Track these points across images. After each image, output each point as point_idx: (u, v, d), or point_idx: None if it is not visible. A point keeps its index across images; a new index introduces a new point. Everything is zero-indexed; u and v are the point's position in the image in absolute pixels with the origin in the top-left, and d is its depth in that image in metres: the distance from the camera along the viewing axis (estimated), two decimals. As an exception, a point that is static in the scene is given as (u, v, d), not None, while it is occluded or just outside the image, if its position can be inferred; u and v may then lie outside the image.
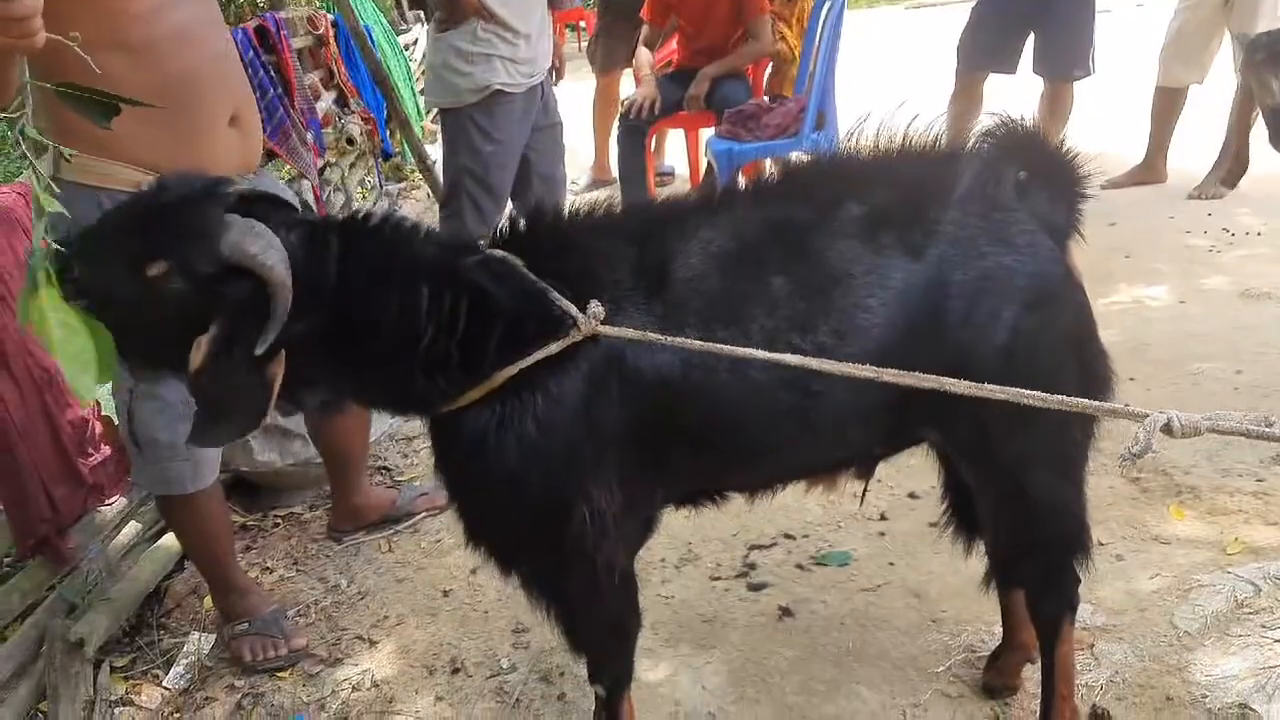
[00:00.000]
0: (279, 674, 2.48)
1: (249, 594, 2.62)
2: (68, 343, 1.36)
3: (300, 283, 1.47)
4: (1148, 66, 5.15)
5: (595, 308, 1.52)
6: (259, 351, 1.45)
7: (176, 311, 1.46)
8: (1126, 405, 1.22)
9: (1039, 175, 1.72)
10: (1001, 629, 2.12)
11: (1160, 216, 4.65)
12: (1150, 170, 5.07)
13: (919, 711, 2.09)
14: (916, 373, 1.31)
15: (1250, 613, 2.18)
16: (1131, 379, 3.21)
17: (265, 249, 1.44)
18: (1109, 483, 2.66)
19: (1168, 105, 4.93)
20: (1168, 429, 1.16)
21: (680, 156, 6.05)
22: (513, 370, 1.53)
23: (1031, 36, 4.77)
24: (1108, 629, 2.22)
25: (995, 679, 2.11)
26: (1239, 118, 4.59)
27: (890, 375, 1.31)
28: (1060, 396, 1.23)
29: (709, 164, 5.09)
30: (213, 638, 2.62)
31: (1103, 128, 5.79)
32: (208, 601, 2.72)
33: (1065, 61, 4.76)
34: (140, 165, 2.06)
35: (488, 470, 1.60)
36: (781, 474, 1.85)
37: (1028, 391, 1.25)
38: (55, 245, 1.43)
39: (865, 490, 2.06)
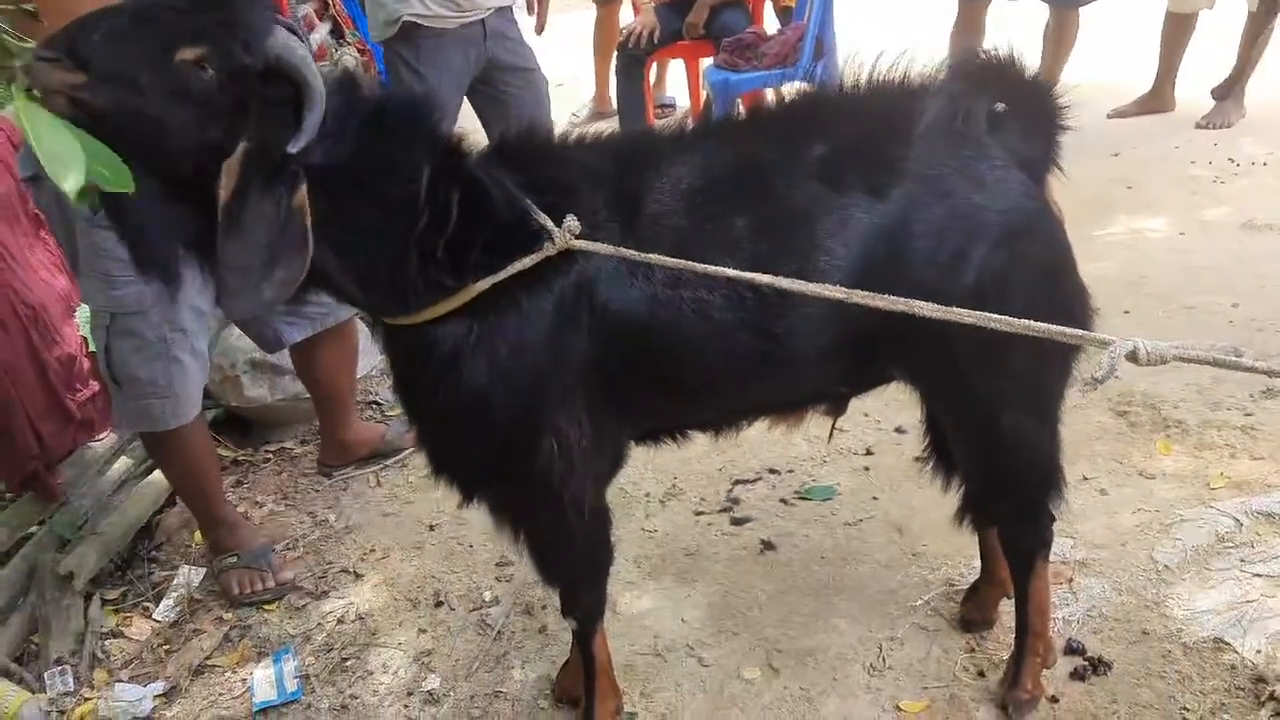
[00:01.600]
0: (266, 607, 2.52)
1: (238, 528, 2.64)
2: (53, 139, 1.21)
3: (327, 111, 1.37)
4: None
5: (571, 222, 1.49)
6: (293, 149, 1.33)
7: (197, 112, 1.31)
8: (1094, 332, 1.20)
9: (1014, 108, 1.67)
10: (980, 564, 2.12)
11: (1165, 146, 4.56)
12: (1158, 99, 4.96)
13: (895, 644, 2.11)
14: (887, 296, 1.30)
15: (1230, 547, 2.18)
16: (1126, 312, 3.18)
17: (308, 57, 1.35)
18: (1097, 417, 2.65)
19: (1177, 31, 4.80)
20: (1133, 356, 1.15)
21: (682, 88, 5.95)
22: (490, 281, 1.50)
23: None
24: (1087, 563, 2.22)
25: (972, 613, 2.12)
26: (1246, 43, 4.48)
27: (860, 296, 1.32)
28: (1027, 321, 1.22)
29: (707, 95, 5.01)
30: (202, 571, 2.65)
31: (1110, 56, 5.67)
32: (198, 535, 2.75)
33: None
34: None
35: (457, 389, 1.56)
36: (744, 412, 1.85)
37: (994, 315, 1.24)
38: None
39: (834, 427, 2.07)
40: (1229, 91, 4.71)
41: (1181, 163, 4.35)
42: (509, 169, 1.57)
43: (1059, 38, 4.76)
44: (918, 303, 1.29)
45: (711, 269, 1.43)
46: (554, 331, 1.55)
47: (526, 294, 1.53)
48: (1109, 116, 4.98)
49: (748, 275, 1.42)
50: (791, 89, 4.25)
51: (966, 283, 1.58)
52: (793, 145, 1.64)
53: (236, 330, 2.98)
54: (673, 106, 6.24)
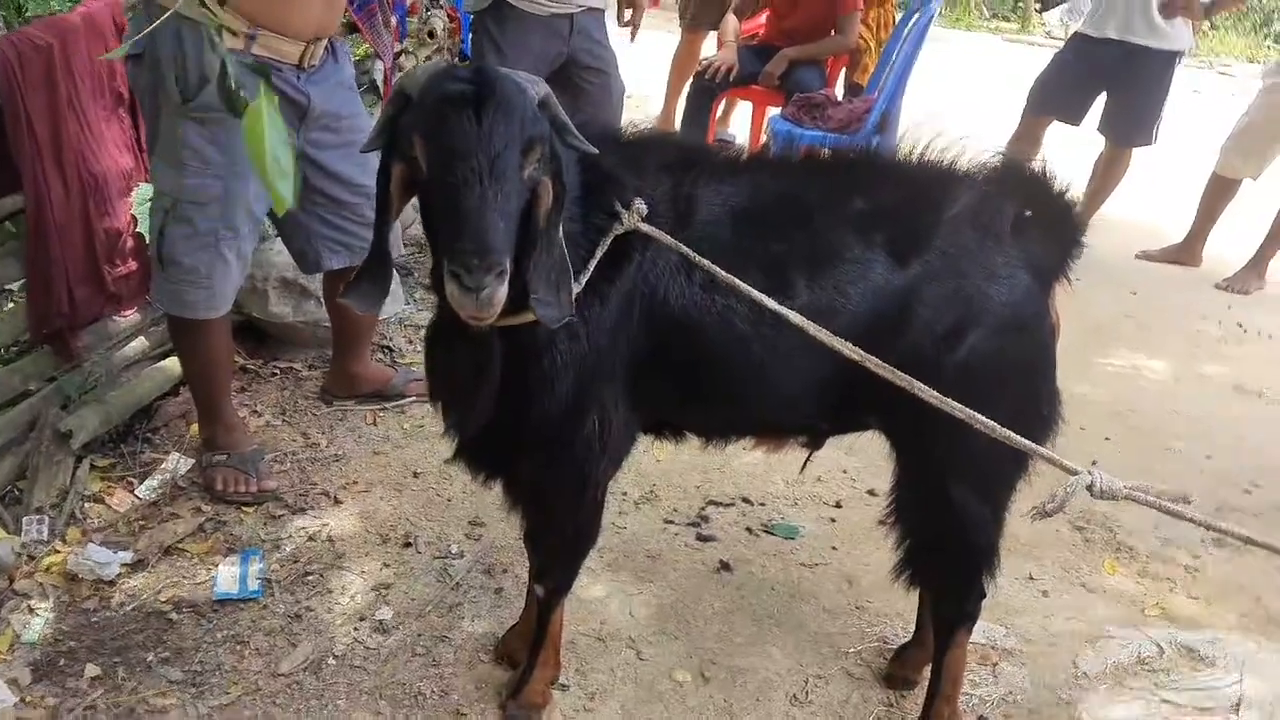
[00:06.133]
0: (244, 508, 2.63)
1: (234, 430, 2.75)
2: (276, 148, 1.39)
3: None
4: (1207, 151, 5.18)
5: (639, 204, 1.64)
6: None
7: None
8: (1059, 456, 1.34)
9: (1038, 217, 1.83)
10: (915, 628, 2.25)
11: (1182, 297, 4.71)
12: (1187, 252, 5.11)
13: (821, 683, 2.23)
14: (881, 362, 1.47)
15: (1149, 670, 2.31)
16: (1107, 439, 3.32)
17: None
18: (1055, 526, 2.78)
19: (1219, 193, 4.97)
20: (1090, 487, 1.29)
21: (743, 127, 6.12)
22: (592, 265, 1.64)
23: (1104, 95, 4.81)
24: (1014, 653, 2.34)
25: (897, 670, 2.25)
26: None
27: (853, 351, 1.50)
28: (1008, 433, 1.38)
29: (767, 141, 5.16)
30: (190, 462, 2.76)
31: (1153, 199, 5.85)
32: (194, 428, 2.86)
33: (1130, 128, 4.80)
34: (240, 14, 2.25)
35: (542, 367, 1.69)
36: (739, 422, 1.99)
37: (981, 417, 1.38)
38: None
39: (807, 460, 2.19)
40: (1255, 265, 4.87)
41: (1193, 316, 4.50)
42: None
43: (1108, 171, 4.92)
44: (912, 380, 1.46)
45: (752, 293, 1.58)
46: (619, 315, 1.70)
47: (605, 278, 1.67)
48: (1136, 256, 5.14)
49: (773, 305, 1.57)
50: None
51: (956, 358, 1.75)
52: (838, 193, 1.82)
53: (277, 245, 3.11)
54: (730, 142, 6.40)
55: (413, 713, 2.07)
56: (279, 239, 2.97)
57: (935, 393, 1.43)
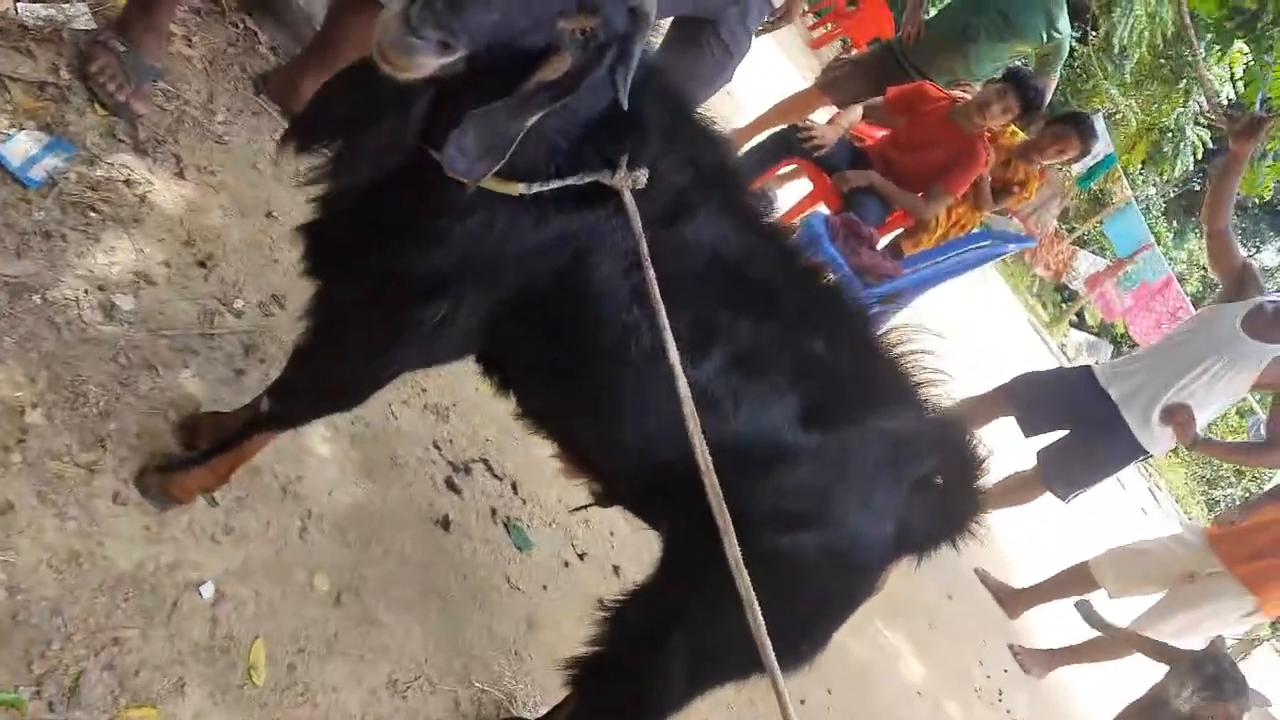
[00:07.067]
0: (98, 106, 2.32)
1: (154, 33, 2.44)
2: None
3: None
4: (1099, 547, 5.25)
5: (641, 174, 1.46)
6: None
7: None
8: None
9: (944, 495, 1.71)
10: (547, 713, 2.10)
11: (981, 630, 4.74)
12: (1014, 601, 5.14)
13: (427, 689, 2.06)
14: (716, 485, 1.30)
15: None
16: (829, 691, 3.24)
17: None
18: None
19: (1074, 580, 5.00)
20: None
21: (789, 200, 5.97)
22: (557, 184, 1.44)
23: (1064, 434, 4.80)
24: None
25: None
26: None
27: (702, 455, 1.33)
28: (765, 638, 1.24)
29: (795, 226, 5.01)
30: (91, 26, 2.43)
31: (1027, 538, 5.92)
32: (123, 2, 2.52)
33: (1061, 474, 4.80)
34: None
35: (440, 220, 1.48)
36: (557, 426, 1.83)
37: (756, 607, 1.22)
38: None
39: (582, 508, 2.03)
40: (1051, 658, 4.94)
41: (974, 653, 4.53)
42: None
43: (1015, 492, 4.89)
44: (730, 524, 1.31)
45: (668, 337, 1.40)
46: (541, 242, 1.50)
47: (558, 207, 1.47)
48: (975, 570, 5.16)
49: (676, 361, 1.39)
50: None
51: (776, 542, 1.61)
52: (811, 321, 1.67)
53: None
54: (771, 204, 6.25)
55: (60, 405, 1.81)
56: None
57: (738, 548, 1.28)
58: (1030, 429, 4.89)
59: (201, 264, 2.27)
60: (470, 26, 1.18)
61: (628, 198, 1.45)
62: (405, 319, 1.57)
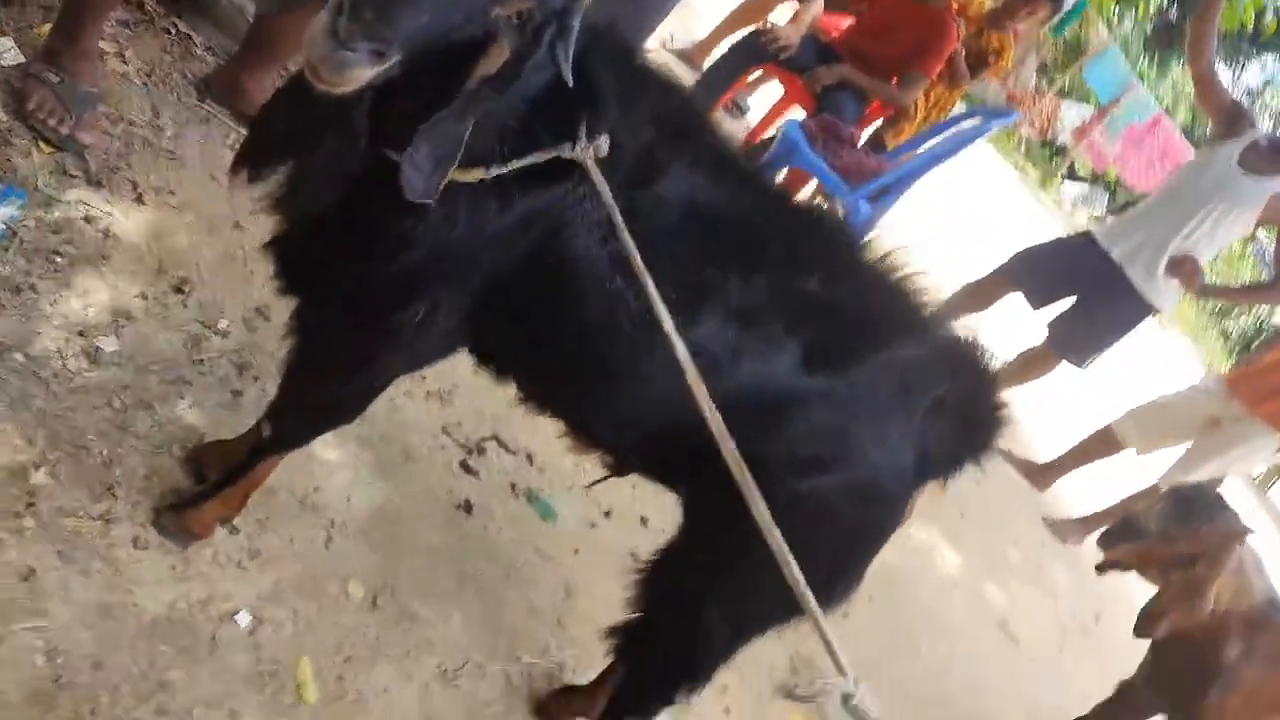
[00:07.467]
0: (42, 144, 2.25)
1: (85, 58, 2.36)
2: None
3: None
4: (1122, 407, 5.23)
5: (602, 143, 1.41)
6: None
7: None
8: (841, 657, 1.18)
9: (960, 415, 1.68)
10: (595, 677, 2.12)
11: (1010, 512, 4.76)
12: (1041, 475, 5.15)
13: (477, 673, 2.08)
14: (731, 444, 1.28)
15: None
16: (870, 599, 3.26)
17: None
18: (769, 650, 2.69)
19: (1100, 445, 5.00)
20: (846, 699, 1.17)
21: (763, 106, 5.84)
22: (518, 165, 1.38)
23: (1071, 300, 4.75)
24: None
25: (552, 705, 2.12)
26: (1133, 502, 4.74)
27: (712, 416, 1.30)
28: (804, 584, 1.20)
29: (772, 136, 4.91)
30: (19, 60, 2.35)
31: (1046, 412, 5.91)
32: (46, 29, 2.44)
33: (1074, 342, 4.77)
34: None
35: (404, 228, 1.42)
36: (558, 405, 1.80)
37: (789, 556, 1.20)
38: None
39: (599, 480, 2.01)
40: (1085, 524, 4.97)
41: (1008, 534, 4.55)
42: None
43: (1028, 367, 4.82)
44: (749, 478, 1.28)
45: (657, 300, 1.35)
46: (509, 228, 1.45)
47: (520, 187, 1.42)
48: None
49: (669, 325, 1.35)
50: (835, 204, 4.23)
51: (797, 487, 1.58)
52: (802, 261, 1.61)
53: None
54: (743, 114, 6.12)
55: (63, 461, 1.79)
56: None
57: (763, 502, 1.26)
58: (1038, 300, 4.85)
59: (178, 290, 2.23)
60: (401, 32, 1.12)
61: (592, 168, 1.41)
62: (386, 325, 1.54)
